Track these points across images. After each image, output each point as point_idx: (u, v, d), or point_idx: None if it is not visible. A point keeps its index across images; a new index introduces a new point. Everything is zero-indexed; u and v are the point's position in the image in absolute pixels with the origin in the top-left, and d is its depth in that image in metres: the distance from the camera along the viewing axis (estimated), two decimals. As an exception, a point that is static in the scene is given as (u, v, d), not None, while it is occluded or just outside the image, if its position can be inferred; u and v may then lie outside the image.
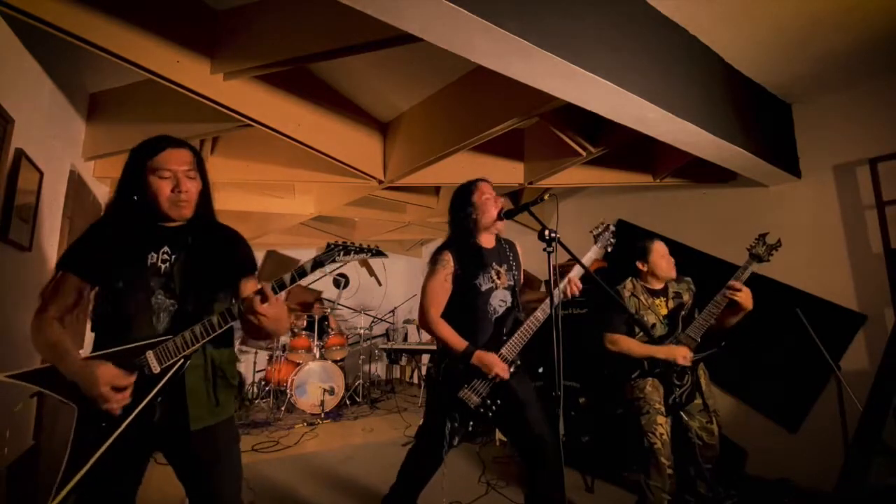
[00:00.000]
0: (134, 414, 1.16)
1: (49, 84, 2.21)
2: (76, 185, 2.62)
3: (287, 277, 1.25)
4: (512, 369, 1.83)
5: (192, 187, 1.30)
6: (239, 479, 1.36)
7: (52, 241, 2.38)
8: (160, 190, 1.27)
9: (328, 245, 1.30)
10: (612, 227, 2.02)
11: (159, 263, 1.29)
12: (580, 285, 1.85)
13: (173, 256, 1.30)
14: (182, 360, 1.22)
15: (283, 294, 1.25)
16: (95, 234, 1.31)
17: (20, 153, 1.87)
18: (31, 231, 2.07)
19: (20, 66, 1.94)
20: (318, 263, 1.26)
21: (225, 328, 1.25)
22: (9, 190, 1.81)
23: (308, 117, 2.65)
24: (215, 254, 1.34)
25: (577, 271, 1.87)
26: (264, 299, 1.20)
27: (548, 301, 1.84)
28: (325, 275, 1.30)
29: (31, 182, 2.05)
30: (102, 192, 3.34)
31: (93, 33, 1.74)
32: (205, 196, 1.37)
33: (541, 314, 1.85)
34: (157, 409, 1.22)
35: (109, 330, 1.27)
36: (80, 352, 1.23)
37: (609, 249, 2.02)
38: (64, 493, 1.11)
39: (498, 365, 1.78)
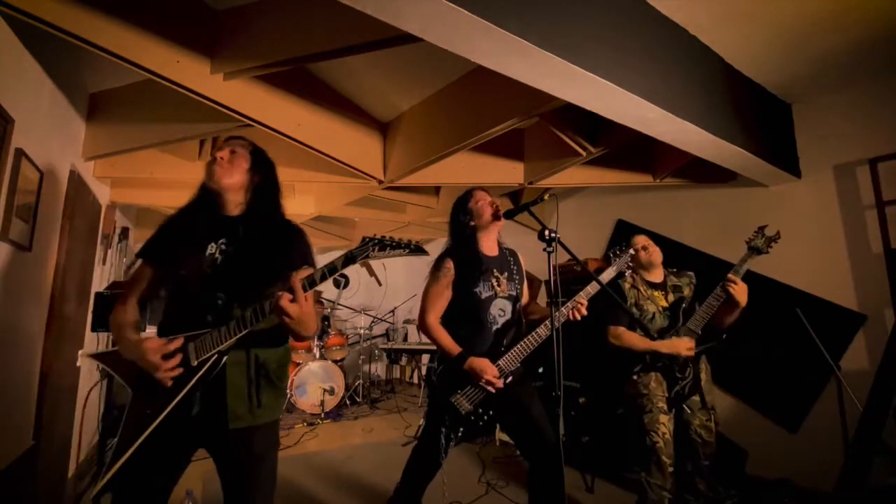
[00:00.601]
0: (174, 403, 1.17)
1: (49, 84, 2.21)
2: (76, 185, 2.61)
3: (318, 274, 1.20)
4: (509, 379, 1.83)
5: (227, 157, 1.35)
6: (272, 486, 1.35)
7: (52, 241, 2.38)
8: (208, 167, 1.36)
9: (363, 239, 1.19)
10: (631, 251, 2.03)
11: (217, 255, 1.30)
12: (584, 312, 1.83)
13: (230, 248, 1.31)
14: (216, 355, 1.21)
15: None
16: (170, 224, 1.38)
17: (20, 153, 1.87)
18: (31, 231, 2.07)
19: (20, 66, 1.94)
20: (349, 259, 1.18)
21: (257, 325, 1.21)
22: (9, 190, 1.81)
23: (308, 117, 2.65)
24: (267, 246, 1.31)
25: (586, 293, 1.85)
26: (294, 297, 1.16)
27: (550, 317, 1.83)
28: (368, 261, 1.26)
29: (31, 182, 2.05)
30: (103, 192, 3.34)
31: (93, 33, 1.73)
32: (261, 185, 1.39)
33: (543, 330, 1.84)
34: (196, 404, 1.22)
35: (170, 319, 1.31)
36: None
37: (626, 272, 2.04)
38: (109, 475, 1.15)
39: (489, 371, 1.77)
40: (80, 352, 1.34)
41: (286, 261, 1.33)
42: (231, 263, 1.29)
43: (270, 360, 1.34)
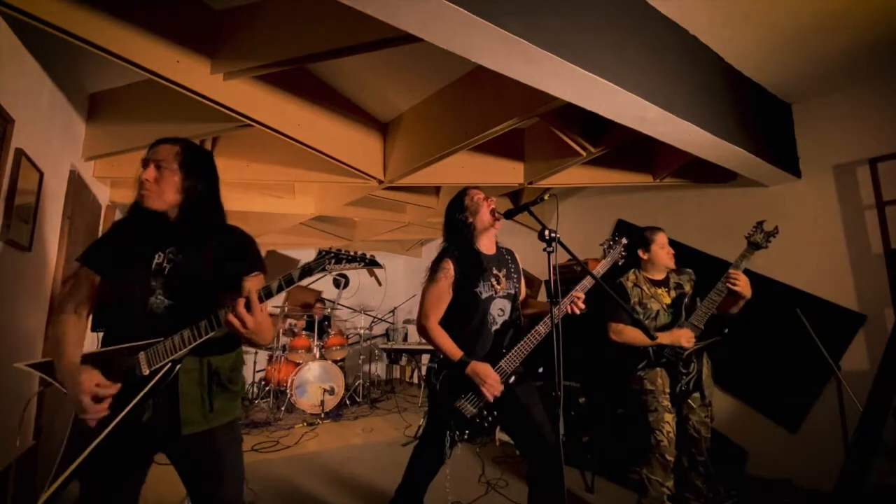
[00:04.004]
0: (122, 416, 1.16)
1: (49, 84, 2.21)
2: (76, 185, 2.62)
3: (274, 286, 1.21)
4: (512, 380, 1.83)
5: (153, 177, 1.28)
6: (240, 482, 1.35)
7: (52, 241, 2.38)
8: (137, 190, 1.29)
9: (319, 252, 1.22)
10: (624, 241, 2.00)
11: (164, 263, 1.29)
12: (582, 306, 1.82)
13: (178, 257, 1.30)
14: (170, 364, 1.20)
15: (267, 302, 1.22)
16: (114, 231, 1.35)
17: (20, 153, 1.87)
18: (31, 231, 2.07)
19: (20, 66, 1.94)
20: (306, 271, 1.20)
21: (212, 334, 1.21)
22: (9, 190, 1.81)
23: (308, 117, 2.65)
24: (216, 255, 1.31)
25: (581, 286, 1.85)
26: (248, 307, 1.16)
27: (549, 315, 1.82)
28: (326, 274, 1.26)
29: (31, 182, 2.05)
30: (102, 192, 3.34)
31: (93, 33, 1.73)
32: (196, 192, 1.33)
33: (542, 328, 1.83)
34: (147, 410, 1.21)
35: (113, 327, 1.29)
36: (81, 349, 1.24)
37: (620, 263, 2.01)
38: (50, 490, 1.12)
39: (491, 376, 1.77)
40: (17, 364, 1.28)
41: (236, 267, 1.32)
42: (180, 272, 1.27)
43: (223, 367, 1.32)
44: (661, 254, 2.38)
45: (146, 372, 1.20)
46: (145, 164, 1.30)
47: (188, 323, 1.21)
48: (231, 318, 1.16)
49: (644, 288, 2.37)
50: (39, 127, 2.11)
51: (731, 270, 2.16)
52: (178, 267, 1.28)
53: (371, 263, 1.26)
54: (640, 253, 2.40)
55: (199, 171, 1.35)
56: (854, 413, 2.32)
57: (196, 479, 1.30)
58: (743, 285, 2.12)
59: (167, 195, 1.29)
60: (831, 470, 2.12)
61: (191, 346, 1.20)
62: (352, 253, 1.24)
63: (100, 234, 3.30)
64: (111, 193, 3.52)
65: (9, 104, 1.75)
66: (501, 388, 1.79)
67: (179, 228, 1.32)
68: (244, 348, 1.44)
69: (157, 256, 1.29)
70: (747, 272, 2.19)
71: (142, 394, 1.18)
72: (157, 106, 2.59)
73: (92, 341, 2.80)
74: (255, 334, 1.21)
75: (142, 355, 1.21)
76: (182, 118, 2.53)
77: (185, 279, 1.27)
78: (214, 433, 1.29)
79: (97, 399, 1.14)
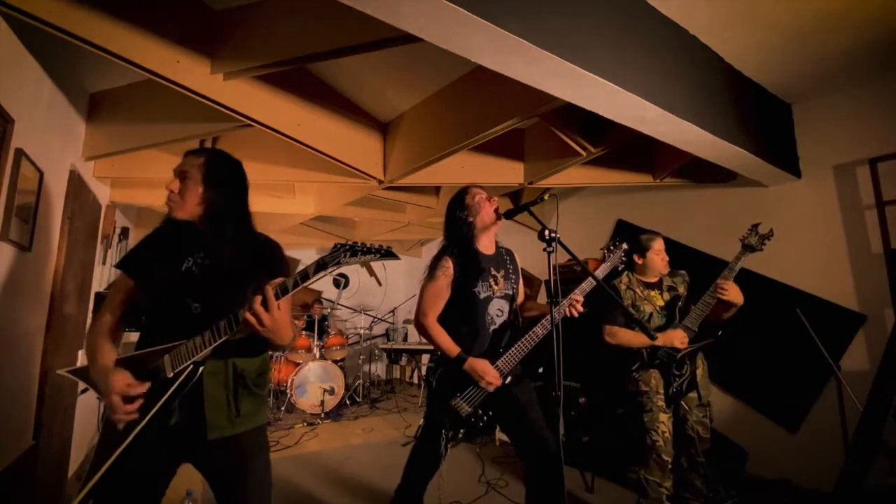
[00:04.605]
0: (148, 417, 1.16)
1: (49, 84, 2.21)
2: (76, 185, 2.61)
3: (290, 282, 1.20)
4: (508, 380, 1.83)
5: (178, 189, 1.33)
6: (267, 488, 1.35)
7: (52, 241, 2.38)
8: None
9: (335, 246, 1.18)
10: (624, 246, 2.00)
11: (193, 268, 1.30)
12: (581, 309, 1.83)
13: (206, 262, 1.31)
14: (191, 366, 1.20)
15: (283, 300, 1.21)
16: (149, 237, 1.39)
17: (20, 153, 1.87)
18: (31, 231, 2.07)
19: (20, 66, 1.94)
20: (321, 266, 1.17)
21: (231, 334, 1.20)
22: (9, 190, 1.81)
23: (308, 117, 2.65)
24: (241, 260, 1.31)
25: (581, 290, 1.85)
26: (265, 305, 1.16)
27: (548, 317, 1.82)
28: (326, 274, 1.25)
29: (31, 182, 2.05)
30: (103, 192, 3.34)
31: (93, 33, 1.73)
32: (219, 201, 1.35)
33: (540, 330, 1.83)
34: (175, 413, 1.21)
35: (147, 330, 1.31)
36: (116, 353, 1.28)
37: (620, 268, 2.02)
38: (83, 493, 1.13)
39: (490, 373, 1.77)
40: (59, 371, 1.33)
41: (261, 272, 1.32)
42: (207, 275, 1.29)
43: (249, 370, 1.32)
44: (657, 261, 2.39)
45: (170, 374, 1.21)
46: (174, 174, 1.36)
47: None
48: (248, 315, 1.15)
49: (637, 290, 2.38)
50: (39, 127, 2.11)
51: (718, 281, 2.17)
52: (205, 272, 1.30)
53: (387, 254, 1.22)
54: (636, 258, 2.41)
55: (222, 181, 1.38)
56: (854, 413, 2.32)
57: (223, 486, 1.31)
58: (733, 295, 2.14)
59: (190, 206, 1.33)
60: (831, 470, 2.12)
61: (211, 347, 1.20)
62: (367, 245, 1.20)
63: (100, 234, 3.30)
64: (111, 193, 3.52)
65: (9, 104, 1.75)
66: (500, 381, 1.79)
67: (207, 235, 1.34)
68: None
69: (186, 261, 1.30)
70: (746, 272, 2.19)
71: (166, 396, 1.18)
72: (157, 106, 2.59)
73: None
74: (273, 333, 1.20)
75: (166, 358, 1.22)
76: (182, 118, 2.53)
77: (212, 284, 1.28)
78: (241, 439, 1.29)
79: (128, 399, 1.16)
